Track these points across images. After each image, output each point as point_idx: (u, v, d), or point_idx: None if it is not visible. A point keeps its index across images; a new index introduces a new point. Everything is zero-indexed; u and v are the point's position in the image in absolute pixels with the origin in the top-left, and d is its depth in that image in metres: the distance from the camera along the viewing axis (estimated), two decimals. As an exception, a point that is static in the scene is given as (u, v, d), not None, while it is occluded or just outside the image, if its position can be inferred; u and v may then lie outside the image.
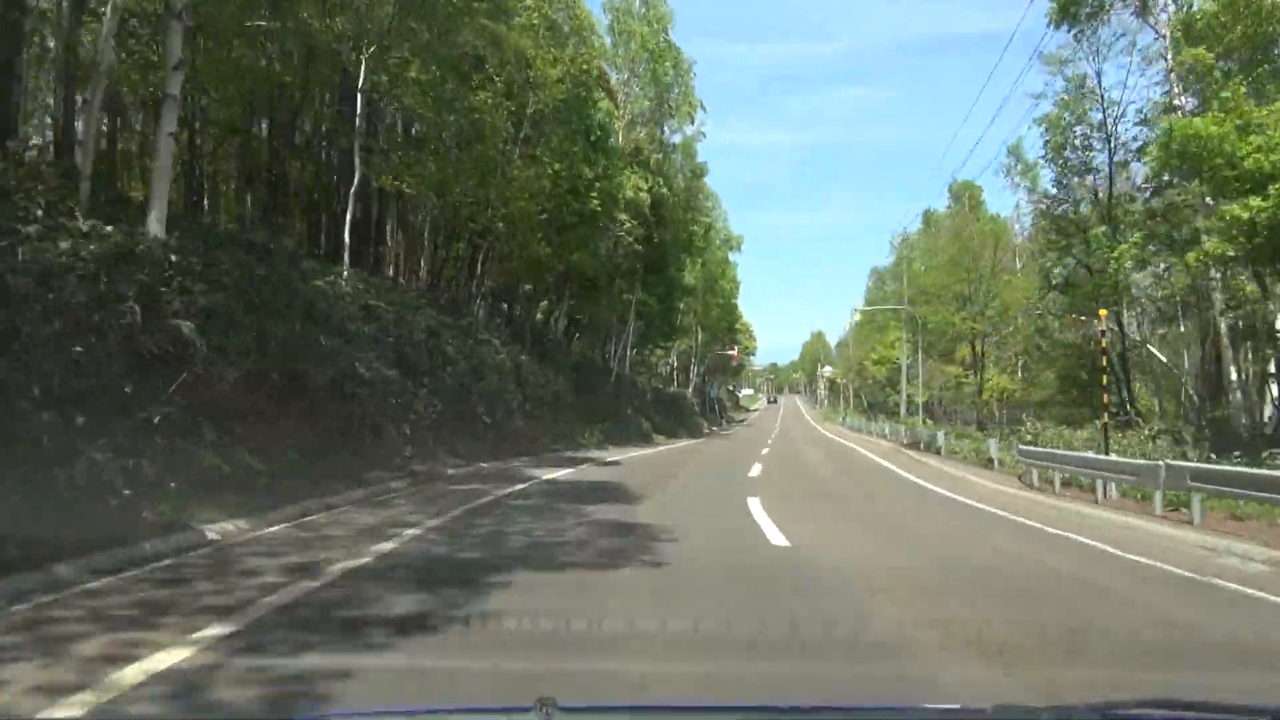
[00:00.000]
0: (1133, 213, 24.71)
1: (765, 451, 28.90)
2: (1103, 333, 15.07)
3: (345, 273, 19.47)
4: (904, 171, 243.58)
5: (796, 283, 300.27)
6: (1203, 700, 2.18)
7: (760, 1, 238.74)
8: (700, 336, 68.01)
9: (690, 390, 69.87)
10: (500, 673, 3.85)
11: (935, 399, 45.96)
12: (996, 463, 21.20)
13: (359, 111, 20.18)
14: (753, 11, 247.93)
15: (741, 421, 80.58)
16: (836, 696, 3.64)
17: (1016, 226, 47.48)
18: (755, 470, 19.39)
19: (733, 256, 66.81)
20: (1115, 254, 23.69)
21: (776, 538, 8.76)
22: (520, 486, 13.56)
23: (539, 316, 38.61)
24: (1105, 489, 13.96)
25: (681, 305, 50.28)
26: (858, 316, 53.56)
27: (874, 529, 10.60)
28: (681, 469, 19.79)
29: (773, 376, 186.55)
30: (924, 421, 39.22)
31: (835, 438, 46.11)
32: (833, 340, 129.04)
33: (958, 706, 3.34)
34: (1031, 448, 17.38)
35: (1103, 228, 24.82)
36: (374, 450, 15.17)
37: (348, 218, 20.04)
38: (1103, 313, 15.05)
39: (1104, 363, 15.02)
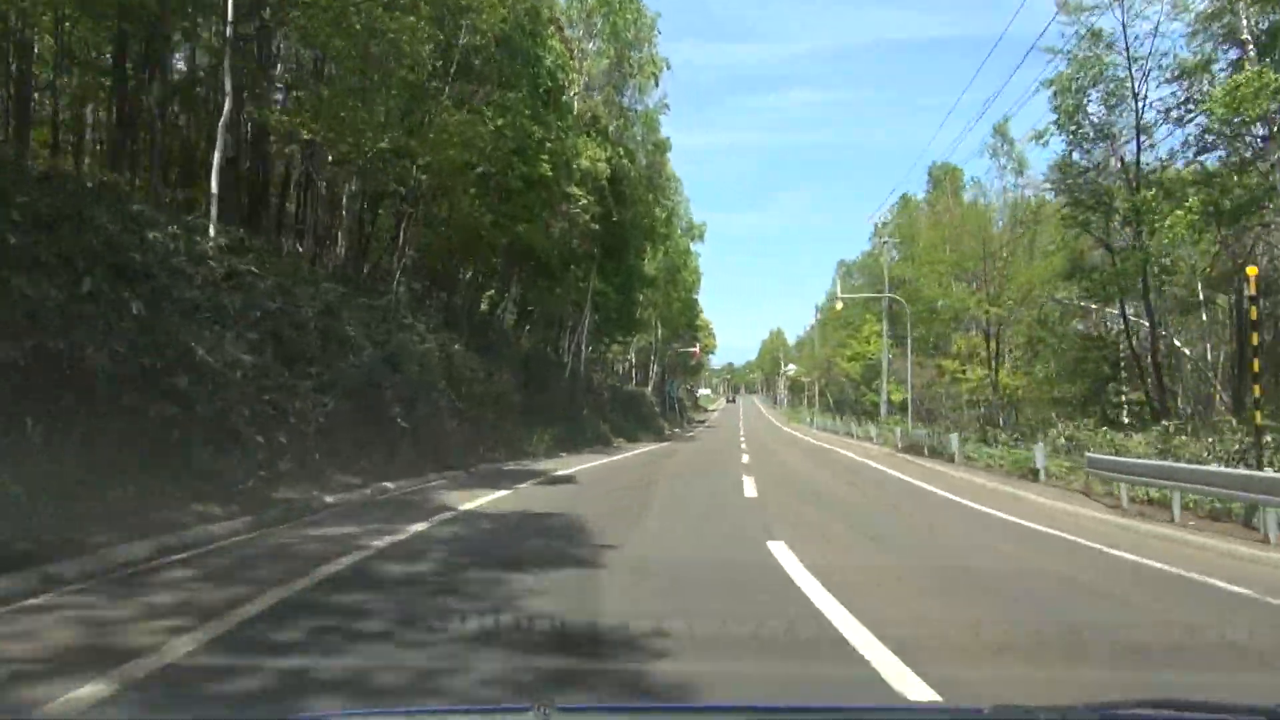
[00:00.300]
0: (1186, 177, 20.84)
1: (746, 460, 24.51)
2: (1251, 299, 10.77)
3: (211, 228, 14.69)
4: (861, 175, 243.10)
5: (752, 283, 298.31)
6: (1202, 700, 2.05)
7: (722, 4, 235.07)
8: (660, 332, 63.76)
9: (650, 389, 65.61)
10: None
11: (917, 397, 42.00)
12: (1043, 474, 17.16)
13: (229, 18, 15.40)
14: (714, 12, 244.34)
15: (702, 422, 76.42)
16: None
17: (999, 219, 44.09)
18: (749, 489, 14.94)
19: (694, 247, 62.91)
20: (1168, 223, 19.83)
21: (891, 668, 4.29)
22: (419, 528, 8.83)
23: (484, 306, 33.94)
24: (1266, 522, 9.81)
25: (642, 297, 45.86)
26: (839, 305, 49.27)
27: (1048, 632, 5.52)
28: (655, 486, 15.26)
29: (729, 376, 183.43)
30: (906, 422, 35.35)
31: (813, 441, 42.06)
32: (792, 339, 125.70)
33: (956, 706, 3.29)
34: (1118, 459, 13.20)
35: (1150, 191, 20.88)
36: (217, 468, 10.39)
37: (215, 158, 15.21)
38: (1251, 270, 10.69)
39: (1253, 341, 10.71)
